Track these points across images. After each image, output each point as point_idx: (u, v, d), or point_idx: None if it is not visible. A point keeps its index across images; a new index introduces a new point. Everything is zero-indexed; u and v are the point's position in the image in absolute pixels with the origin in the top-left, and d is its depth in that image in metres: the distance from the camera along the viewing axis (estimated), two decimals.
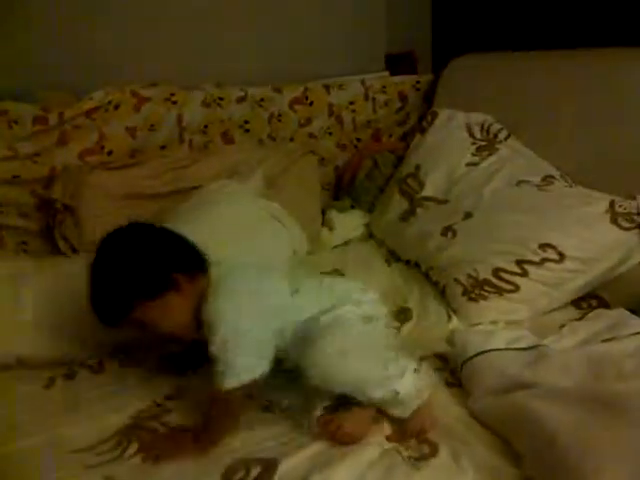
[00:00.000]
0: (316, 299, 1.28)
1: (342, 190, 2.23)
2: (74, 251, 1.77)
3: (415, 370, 1.25)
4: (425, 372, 1.30)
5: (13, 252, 1.79)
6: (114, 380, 1.43)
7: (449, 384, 1.37)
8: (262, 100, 2.08)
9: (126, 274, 1.21)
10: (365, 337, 1.24)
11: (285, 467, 1.14)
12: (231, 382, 1.17)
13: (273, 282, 1.29)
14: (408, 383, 1.22)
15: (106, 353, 1.51)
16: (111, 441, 1.24)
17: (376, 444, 1.20)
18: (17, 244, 1.80)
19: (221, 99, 2.02)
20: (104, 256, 1.26)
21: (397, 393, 1.21)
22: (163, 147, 1.95)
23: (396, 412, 1.23)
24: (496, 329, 1.51)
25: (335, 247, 2.03)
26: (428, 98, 2.28)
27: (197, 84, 2.02)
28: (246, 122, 2.07)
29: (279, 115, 2.12)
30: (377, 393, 1.21)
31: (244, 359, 1.17)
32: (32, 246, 1.81)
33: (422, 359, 1.43)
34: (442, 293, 1.67)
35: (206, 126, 2.00)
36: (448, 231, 1.74)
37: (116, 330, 1.29)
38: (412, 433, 1.21)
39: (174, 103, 1.94)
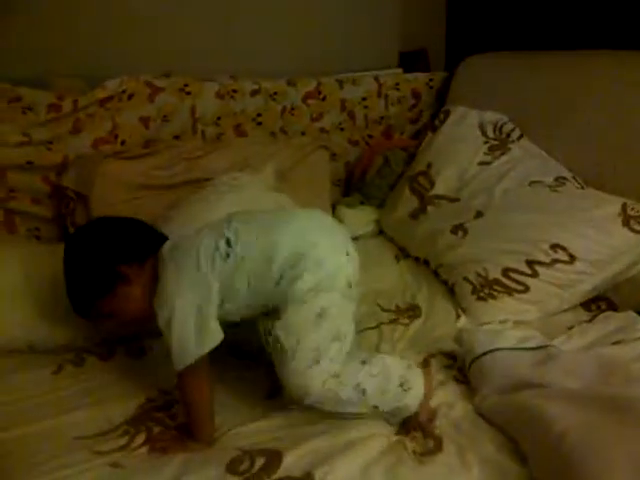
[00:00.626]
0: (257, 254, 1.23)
1: (352, 186, 2.23)
2: None
3: (401, 384, 1.23)
4: (416, 375, 1.26)
5: (25, 238, 1.80)
6: (122, 368, 1.44)
7: (457, 381, 1.37)
8: (275, 94, 2.08)
9: (75, 278, 1.29)
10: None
11: (289, 459, 1.14)
12: (181, 362, 1.18)
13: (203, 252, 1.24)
14: (389, 399, 1.22)
15: (115, 341, 1.51)
16: (119, 429, 1.25)
17: (382, 437, 1.20)
18: (29, 230, 1.81)
19: (235, 91, 2.03)
20: (65, 258, 1.32)
21: (376, 407, 1.22)
22: (176, 138, 1.95)
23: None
24: (505, 328, 1.50)
25: None
26: (441, 96, 2.28)
27: (211, 76, 2.02)
28: (259, 115, 2.08)
29: (292, 109, 2.12)
30: (357, 410, 1.22)
31: (189, 336, 1.17)
32: (44, 232, 1.82)
33: (430, 357, 1.44)
34: (451, 291, 1.67)
35: (219, 118, 2.00)
36: (459, 230, 1.73)
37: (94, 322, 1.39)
38: (415, 428, 1.22)
39: (188, 94, 1.94)
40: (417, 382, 1.25)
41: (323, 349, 1.19)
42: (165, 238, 1.31)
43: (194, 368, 1.18)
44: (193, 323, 1.18)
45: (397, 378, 1.23)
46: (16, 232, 1.79)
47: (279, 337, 1.19)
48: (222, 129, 2.02)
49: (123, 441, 1.22)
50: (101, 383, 1.39)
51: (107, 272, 1.24)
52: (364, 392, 1.19)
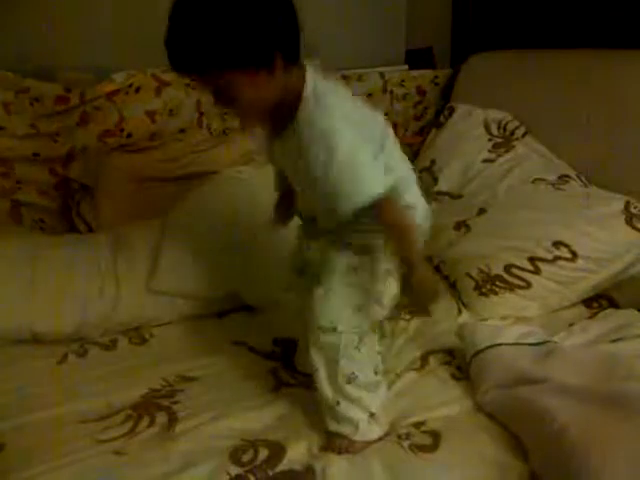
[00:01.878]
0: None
1: None
2: (90, 230, 1.79)
3: (371, 414, 1.19)
4: (381, 426, 1.21)
5: (30, 229, 1.80)
6: (125, 358, 1.45)
7: (456, 378, 1.38)
8: None
9: (225, 28, 0.99)
10: None
11: (292, 452, 1.15)
12: (367, 192, 1.05)
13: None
14: (352, 408, 1.18)
15: (118, 331, 1.53)
16: (121, 416, 1.25)
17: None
18: (34, 221, 1.82)
19: None
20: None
21: (338, 404, 1.18)
22: (182, 131, 1.95)
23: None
24: (506, 324, 1.51)
25: None
26: (446, 93, 2.29)
27: None
28: None
29: None
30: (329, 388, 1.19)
31: (366, 168, 1.06)
32: (49, 224, 1.83)
33: (429, 353, 1.45)
34: (453, 287, 1.68)
35: (225, 112, 2.01)
36: (461, 226, 1.74)
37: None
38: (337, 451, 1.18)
39: (194, 88, 1.95)
40: (374, 430, 1.20)
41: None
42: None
43: (386, 198, 1.08)
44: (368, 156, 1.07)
45: (375, 408, 1.20)
46: (21, 223, 1.80)
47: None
48: (228, 123, 2.02)
49: (126, 428, 1.22)
50: (104, 373, 1.40)
51: (264, 48, 1.01)
52: (352, 381, 1.17)
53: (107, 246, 1.60)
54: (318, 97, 1.06)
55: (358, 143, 1.06)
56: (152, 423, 1.23)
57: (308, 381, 1.27)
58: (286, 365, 1.41)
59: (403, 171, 1.20)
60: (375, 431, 1.20)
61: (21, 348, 1.48)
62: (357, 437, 1.18)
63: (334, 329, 1.16)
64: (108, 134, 1.85)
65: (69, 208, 1.80)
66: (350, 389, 1.18)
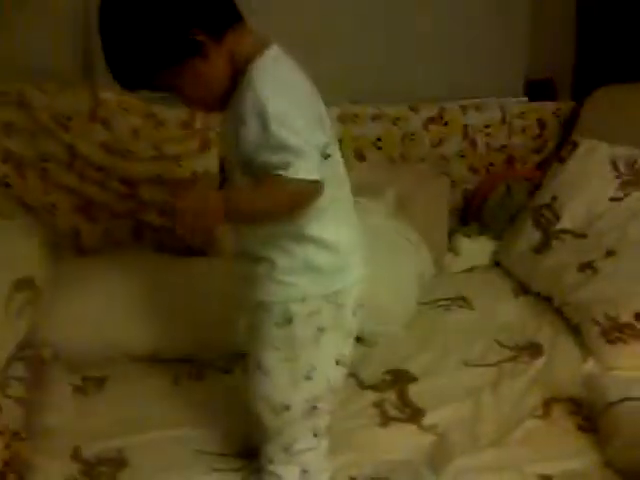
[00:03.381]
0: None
1: (471, 215, 2.18)
2: (204, 254, 1.82)
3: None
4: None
5: (151, 249, 1.84)
6: (241, 384, 1.45)
7: (582, 429, 1.32)
8: (397, 119, 2.07)
9: (140, 38, 0.99)
10: None
11: None
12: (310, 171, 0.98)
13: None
14: None
15: (235, 355, 1.53)
16: (237, 449, 1.27)
17: None
18: (156, 242, 1.86)
19: (356, 116, 2.03)
20: (112, 9, 1.01)
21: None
22: None
23: None
24: (637, 375, 1.41)
25: (459, 273, 1.98)
26: (568, 127, 2.19)
27: (332, 100, 2.03)
28: (379, 140, 2.07)
29: (412, 134, 2.10)
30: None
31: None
32: (169, 245, 1.87)
33: (552, 400, 1.39)
34: (576, 331, 1.59)
35: (340, 142, 2.00)
36: (587, 268, 1.66)
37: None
38: None
39: None
40: None
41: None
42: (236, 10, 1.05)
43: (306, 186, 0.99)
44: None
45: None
46: (144, 243, 1.85)
47: None
48: (342, 153, 2.02)
49: (239, 463, 1.23)
50: (221, 398, 1.41)
51: (181, 41, 0.99)
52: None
53: (225, 270, 1.62)
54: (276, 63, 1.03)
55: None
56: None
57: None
58: None
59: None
60: None
61: (138, 366, 1.52)
62: None
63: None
64: None
65: None
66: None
